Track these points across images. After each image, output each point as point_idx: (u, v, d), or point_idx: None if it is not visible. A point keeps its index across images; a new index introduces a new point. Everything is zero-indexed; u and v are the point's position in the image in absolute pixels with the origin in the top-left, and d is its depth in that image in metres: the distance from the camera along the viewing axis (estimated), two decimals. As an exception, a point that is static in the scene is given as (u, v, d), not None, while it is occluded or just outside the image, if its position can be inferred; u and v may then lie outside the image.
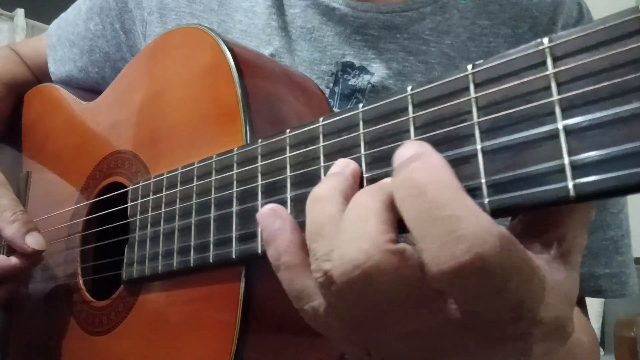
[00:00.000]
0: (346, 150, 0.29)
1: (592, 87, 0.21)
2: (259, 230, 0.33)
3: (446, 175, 0.21)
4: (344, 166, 0.28)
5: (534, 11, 0.53)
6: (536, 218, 0.24)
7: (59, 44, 0.69)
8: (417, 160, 0.22)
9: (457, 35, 0.52)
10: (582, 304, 0.57)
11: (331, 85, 0.52)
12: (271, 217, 0.28)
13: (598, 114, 0.21)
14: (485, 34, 0.53)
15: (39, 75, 0.72)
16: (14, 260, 0.50)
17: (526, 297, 0.21)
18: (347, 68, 0.52)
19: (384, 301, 0.23)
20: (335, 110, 0.50)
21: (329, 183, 0.26)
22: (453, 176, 0.22)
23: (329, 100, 0.51)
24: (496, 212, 0.23)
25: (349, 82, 0.51)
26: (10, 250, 0.51)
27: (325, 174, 0.30)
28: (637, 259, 0.61)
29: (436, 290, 0.23)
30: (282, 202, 0.31)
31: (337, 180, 0.26)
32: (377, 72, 0.51)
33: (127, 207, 0.45)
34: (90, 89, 0.65)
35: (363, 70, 0.51)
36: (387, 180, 0.26)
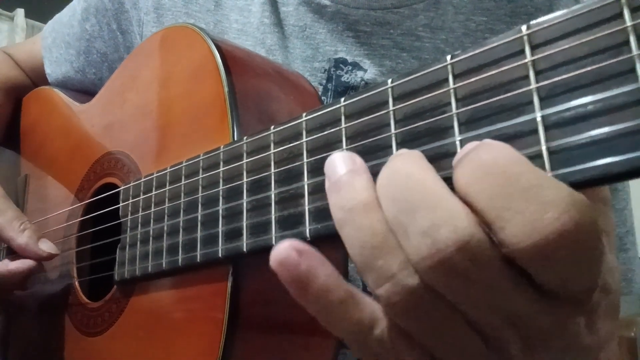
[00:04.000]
0: (329, 145, 0.28)
1: (571, 74, 0.20)
2: (245, 228, 0.32)
3: (512, 151, 0.20)
4: (353, 162, 0.24)
5: (530, 7, 0.52)
6: None
7: (55, 46, 0.69)
8: (480, 147, 0.20)
9: (452, 30, 0.52)
10: None
11: (324, 82, 0.51)
12: (290, 261, 0.22)
13: (577, 102, 0.20)
14: (481, 30, 0.52)
15: (35, 78, 0.72)
16: (12, 265, 0.50)
17: (602, 262, 0.21)
18: (339, 64, 0.51)
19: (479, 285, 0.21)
20: None
21: (361, 185, 0.23)
22: (519, 153, 0.20)
23: (322, 97, 0.50)
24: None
25: (342, 79, 0.51)
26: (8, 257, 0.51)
27: (308, 170, 0.29)
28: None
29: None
30: (267, 200, 0.31)
31: (364, 179, 0.23)
32: (370, 68, 0.51)
33: (119, 207, 0.45)
34: (87, 90, 0.65)
35: (356, 66, 0.51)
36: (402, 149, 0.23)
